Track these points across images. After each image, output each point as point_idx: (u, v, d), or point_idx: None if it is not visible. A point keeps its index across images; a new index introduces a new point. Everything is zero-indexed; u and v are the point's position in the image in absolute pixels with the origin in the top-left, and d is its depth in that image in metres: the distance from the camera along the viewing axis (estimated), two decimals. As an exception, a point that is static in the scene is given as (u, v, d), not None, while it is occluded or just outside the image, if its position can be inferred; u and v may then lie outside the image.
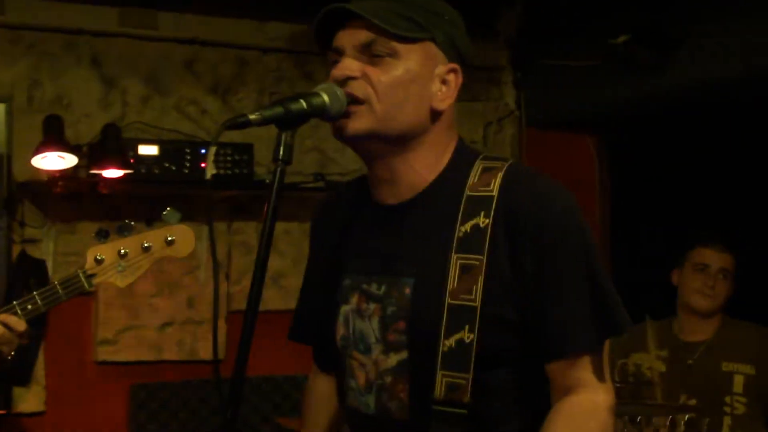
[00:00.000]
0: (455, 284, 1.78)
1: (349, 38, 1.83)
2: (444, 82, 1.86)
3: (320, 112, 1.78)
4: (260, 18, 4.87)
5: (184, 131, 4.72)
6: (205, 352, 4.80)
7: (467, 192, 1.84)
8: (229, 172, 4.50)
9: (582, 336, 1.78)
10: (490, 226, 1.79)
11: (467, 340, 1.76)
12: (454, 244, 1.80)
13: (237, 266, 4.86)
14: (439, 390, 1.77)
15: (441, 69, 1.86)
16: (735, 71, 4.11)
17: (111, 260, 2.84)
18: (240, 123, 1.69)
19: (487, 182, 1.83)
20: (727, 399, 3.82)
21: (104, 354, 4.63)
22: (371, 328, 1.87)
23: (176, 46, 4.78)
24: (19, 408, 4.44)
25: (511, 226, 1.78)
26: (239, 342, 1.70)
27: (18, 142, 4.42)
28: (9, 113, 4.44)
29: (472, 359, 1.75)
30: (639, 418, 3.31)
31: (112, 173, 4.26)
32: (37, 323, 4.13)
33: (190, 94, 4.80)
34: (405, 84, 1.81)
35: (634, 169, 5.25)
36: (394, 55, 1.80)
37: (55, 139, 4.23)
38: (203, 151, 4.48)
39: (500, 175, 1.83)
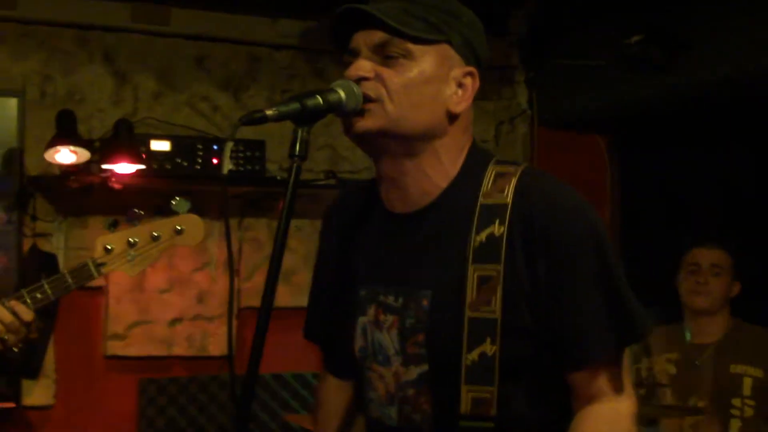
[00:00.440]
0: (474, 296, 1.76)
1: (363, 39, 1.81)
2: (460, 85, 1.84)
3: (336, 109, 1.78)
4: (272, 15, 4.87)
5: (196, 127, 4.72)
6: (214, 348, 4.80)
7: (481, 200, 1.81)
8: (241, 168, 4.50)
9: (600, 346, 1.77)
10: (505, 235, 1.77)
11: (490, 353, 1.74)
12: (471, 255, 1.77)
13: (247, 262, 4.86)
14: (465, 405, 1.76)
15: (457, 72, 1.84)
16: (745, 71, 4.10)
17: (120, 249, 2.83)
18: (257, 118, 1.69)
19: (501, 189, 1.81)
20: (736, 402, 3.82)
21: (114, 348, 4.63)
22: (390, 339, 1.85)
23: (188, 42, 4.78)
24: (28, 401, 4.44)
25: (526, 233, 1.76)
26: (253, 338, 1.69)
27: (30, 136, 4.42)
28: (21, 108, 4.44)
29: (496, 371, 1.75)
30: None
31: (124, 168, 4.26)
32: (47, 316, 4.15)
33: (201, 91, 4.80)
34: (418, 85, 1.79)
35: (645, 170, 5.24)
36: (408, 56, 1.79)
37: (67, 134, 4.23)
38: (215, 147, 4.48)
39: (514, 180, 1.81)
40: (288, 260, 4.82)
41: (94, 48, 4.61)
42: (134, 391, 4.66)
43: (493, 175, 1.84)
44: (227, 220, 1.85)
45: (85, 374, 4.60)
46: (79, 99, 4.55)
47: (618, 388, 1.80)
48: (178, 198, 2.84)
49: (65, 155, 4.22)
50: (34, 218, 4.44)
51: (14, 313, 2.74)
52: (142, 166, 4.29)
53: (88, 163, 4.30)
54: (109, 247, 2.82)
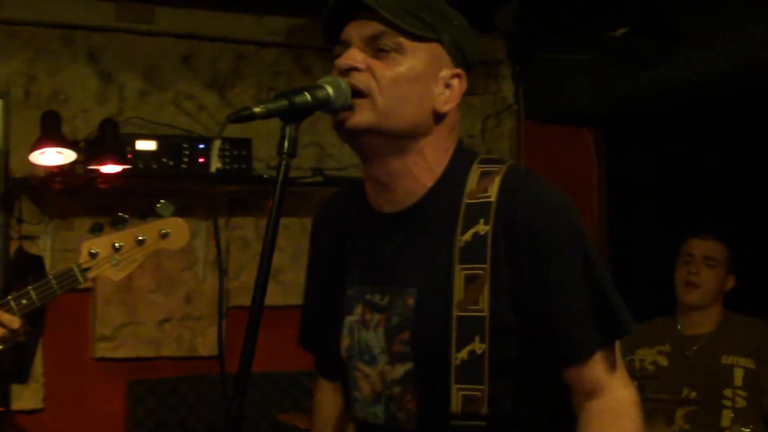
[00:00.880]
0: (462, 295, 1.77)
1: (356, 30, 1.82)
2: (447, 86, 1.86)
3: (325, 105, 1.77)
4: (258, 12, 4.85)
5: (182, 126, 4.69)
6: (203, 348, 4.79)
7: (466, 200, 1.82)
8: (227, 167, 4.48)
9: (588, 340, 1.78)
10: (490, 233, 1.78)
11: (479, 351, 1.75)
12: (457, 255, 1.78)
13: (235, 262, 4.84)
14: (456, 404, 1.76)
15: (446, 72, 1.85)
16: (734, 64, 4.09)
17: (105, 254, 2.84)
18: (245, 116, 1.68)
19: (484, 188, 1.82)
20: (727, 392, 3.82)
21: (102, 350, 4.61)
22: (376, 338, 1.87)
23: (173, 40, 4.76)
24: (17, 405, 4.42)
25: (510, 232, 1.77)
26: (245, 337, 1.69)
27: (15, 137, 4.39)
28: (6, 109, 4.41)
29: (486, 370, 1.75)
30: None
31: (110, 169, 4.24)
32: (35, 320, 4.12)
33: (187, 89, 4.78)
34: (408, 81, 1.80)
35: (632, 164, 5.24)
36: (399, 50, 1.80)
37: (52, 135, 4.21)
38: (201, 146, 4.45)
39: (498, 179, 1.82)
40: (276, 259, 4.76)
41: (79, 48, 4.58)
42: (123, 392, 4.64)
43: (477, 175, 1.85)
44: (216, 219, 1.85)
45: (74, 377, 4.57)
46: (64, 99, 4.53)
47: (615, 380, 1.81)
48: (162, 201, 2.85)
49: (50, 156, 4.19)
50: (20, 221, 4.42)
51: (1, 324, 2.73)
52: (128, 166, 4.28)
53: (73, 164, 4.28)
54: (94, 252, 2.83)
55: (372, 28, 1.80)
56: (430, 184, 1.86)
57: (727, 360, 3.86)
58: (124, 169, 4.26)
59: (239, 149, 4.50)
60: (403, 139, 1.83)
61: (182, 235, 2.90)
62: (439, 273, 1.80)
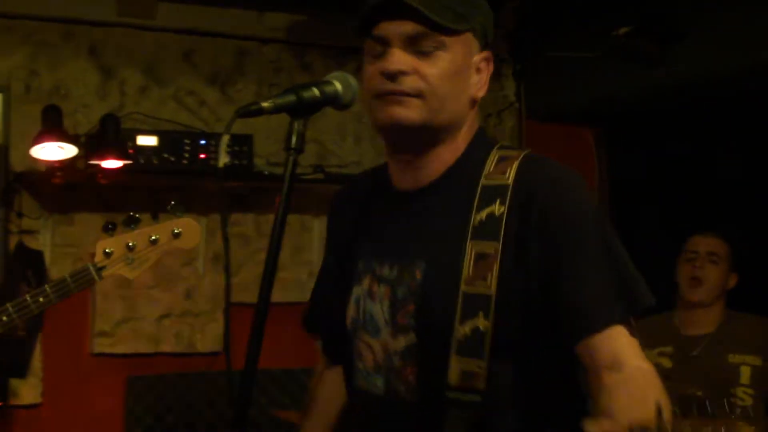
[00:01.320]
0: (471, 271, 1.79)
1: (395, 29, 1.81)
2: (478, 70, 1.90)
3: (333, 101, 1.78)
4: (259, 8, 4.85)
5: (183, 122, 4.69)
6: (202, 345, 4.78)
7: (483, 181, 1.85)
8: (228, 162, 4.47)
9: (609, 309, 1.77)
10: (505, 215, 1.80)
11: (482, 328, 1.76)
12: (470, 232, 1.81)
13: (235, 258, 4.83)
14: (454, 376, 1.77)
15: (476, 58, 1.89)
16: (735, 64, 4.10)
17: (119, 253, 2.89)
18: (253, 111, 1.69)
19: (502, 171, 1.85)
20: (734, 391, 3.81)
21: (101, 346, 4.60)
22: (381, 310, 1.89)
23: (174, 36, 4.75)
24: (16, 400, 4.41)
25: (527, 212, 1.79)
26: (250, 334, 1.69)
27: (15, 132, 4.38)
28: (6, 103, 4.41)
29: (488, 346, 1.76)
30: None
31: (111, 164, 4.23)
32: (34, 316, 4.12)
33: (188, 85, 4.78)
34: (452, 76, 1.84)
35: (633, 162, 5.23)
36: (441, 47, 1.82)
37: (53, 130, 4.20)
38: (203, 142, 4.45)
39: (516, 164, 1.85)
40: (276, 256, 4.80)
41: (80, 42, 4.57)
42: (122, 388, 4.63)
43: (496, 158, 1.89)
44: (224, 215, 1.86)
45: (73, 372, 4.56)
46: (65, 94, 4.52)
47: (634, 353, 1.77)
48: (173, 202, 2.91)
49: (51, 151, 4.18)
50: (20, 215, 4.41)
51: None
52: (129, 162, 4.26)
53: (74, 158, 4.27)
54: (109, 251, 2.89)
55: (412, 27, 1.80)
56: (451, 162, 1.90)
57: (734, 359, 3.86)
58: (125, 165, 4.25)
59: (240, 145, 4.49)
60: (445, 131, 1.87)
61: (194, 234, 2.95)
62: (450, 249, 1.82)
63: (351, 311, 1.95)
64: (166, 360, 4.75)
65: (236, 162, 4.48)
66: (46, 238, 4.46)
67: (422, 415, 1.83)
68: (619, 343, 1.77)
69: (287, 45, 4.95)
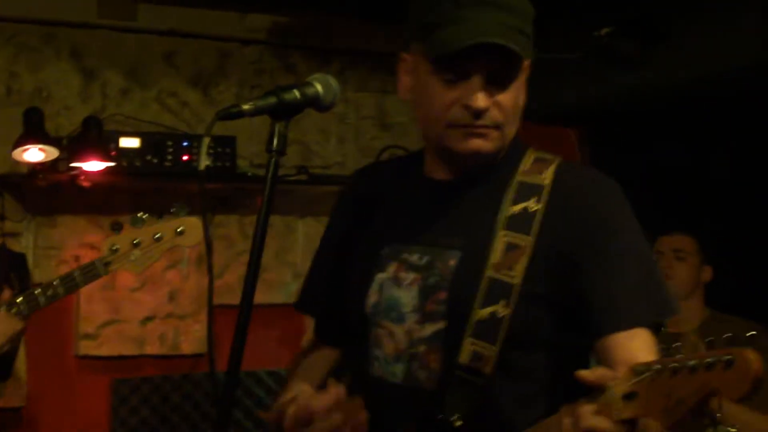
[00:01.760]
0: (499, 259, 1.84)
1: (482, 64, 1.83)
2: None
3: (314, 103, 1.79)
4: (241, 9, 4.84)
5: (165, 124, 4.68)
6: (187, 347, 4.77)
7: (519, 177, 1.92)
8: (212, 164, 4.47)
9: (639, 310, 1.82)
10: (541, 212, 1.86)
11: (500, 315, 1.81)
12: (502, 222, 1.87)
13: (219, 260, 4.82)
14: (465, 356, 1.82)
15: (526, 68, 1.93)
16: (717, 65, 4.11)
17: (125, 249, 3.03)
18: (234, 113, 1.69)
19: (539, 171, 1.92)
20: None
21: (85, 348, 4.59)
22: (408, 296, 1.91)
23: (156, 38, 4.74)
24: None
25: (563, 211, 1.85)
26: (234, 336, 1.69)
27: (-3, 134, 4.37)
28: (-13, 105, 4.40)
29: (502, 333, 1.81)
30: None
31: (93, 166, 4.21)
32: (15, 335, 4.13)
33: (170, 87, 4.76)
34: (521, 102, 1.90)
35: (616, 162, 5.23)
36: (517, 77, 1.87)
37: (35, 132, 4.18)
38: (185, 143, 4.44)
39: (553, 167, 1.92)
40: (260, 257, 4.79)
41: (61, 44, 4.56)
42: (106, 390, 4.62)
43: (532, 159, 1.96)
44: (206, 217, 1.85)
45: (57, 375, 4.55)
46: (46, 96, 4.50)
47: (650, 356, 1.76)
48: (176, 204, 3.09)
49: (33, 153, 4.17)
50: (2, 218, 4.39)
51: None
52: (112, 164, 4.25)
53: (56, 161, 4.26)
54: (115, 248, 3.03)
55: (497, 63, 1.83)
56: (492, 158, 1.94)
57: None
58: (107, 167, 4.24)
59: (223, 147, 4.49)
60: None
61: (196, 232, 3.08)
62: (483, 238, 1.87)
63: (372, 297, 1.97)
64: (151, 362, 4.74)
65: (219, 164, 4.48)
66: (28, 240, 4.45)
67: (438, 403, 1.84)
68: (641, 344, 1.81)
69: (269, 46, 4.95)
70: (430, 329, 1.88)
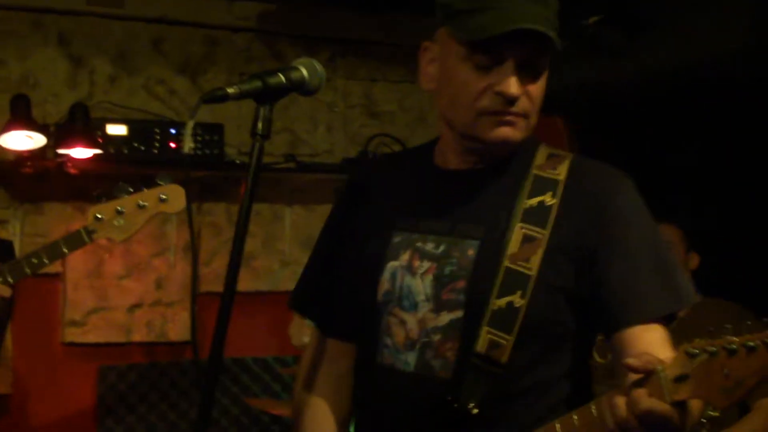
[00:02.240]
0: (516, 250, 1.86)
1: (515, 51, 1.84)
2: None
3: (299, 87, 1.79)
4: (230, -4, 4.84)
5: (153, 111, 4.67)
6: (174, 334, 4.77)
7: (534, 171, 1.94)
8: (199, 152, 4.47)
9: (655, 302, 1.85)
10: (556, 206, 1.88)
11: (517, 305, 1.83)
12: (519, 214, 1.89)
13: (206, 247, 4.83)
14: (482, 344, 1.84)
15: None
16: (702, 53, 4.12)
17: (109, 217, 3.09)
18: (218, 96, 1.70)
19: (553, 166, 1.94)
20: None
21: (72, 335, 4.59)
22: (422, 285, 1.92)
23: (144, 25, 4.72)
24: (-14, 390, 4.40)
25: (579, 205, 1.89)
26: (216, 323, 1.69)
27: (-16, 121, 4.36)
28: (-26, 93, 4.38)
29: (518, 323, 1.83)
30: None
31: (80, 153, 4.22)
32: (4, 303, 4.12)
33: (158, 74, 4.75)
34: (545, 88, 1.92)
35: (603, 151, 5.24)
36: (546, 67, 1.89)
37: (22, 119, 4.18)
38: (173, 131, 4.44)
39: (567, 162, 1.94)
40: (247, 245, 4.77)
41: (49, 31, 4.54)
42: (93, 378, 4.63)
43: (546, 154, 1.97)
44: (189, 202, 1.85)
45: (44, 362, 4.55)
46: (34, 83, 4.49)
47: (668, 348, 1.80)
48: (161, 174, 3.13)
49: (20, 140, 4.17)
50: (-11, 205, 4.39)
51: None
52: (99, 151, 4.25)
53: (43, 148, 4.26)
54: (99, 216, 3.09)
55: (529, 51, 1.84)
56: (507, 150, 1.95)
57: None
58: (94, 154, 4.23)
59: (211, 134, 4.48)
60: None
61: (179, 199, 3.10)
62: (500, 229, 1.89)
63: (384, 285, 1.97)
64: (138, 349, 4.74)
65: (207, 151, 4.48)
66: (15, 227, 4.44)
67: (453, 391, 1.86)
68: (656, 337, 1.83)
69: (258, 34, 4.94)
70: (446, 318, 1.89)
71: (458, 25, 1.85)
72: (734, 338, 1.54)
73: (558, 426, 1.77)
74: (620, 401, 1.63)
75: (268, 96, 1.73)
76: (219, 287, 1.75)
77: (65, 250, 3.07)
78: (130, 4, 4.63)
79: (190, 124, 1.70)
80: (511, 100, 1.84)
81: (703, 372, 1.55)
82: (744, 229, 4.43)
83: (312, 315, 2.20)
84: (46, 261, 3.05)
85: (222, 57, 4.88)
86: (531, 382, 1.88)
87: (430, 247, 1.93)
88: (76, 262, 4.53)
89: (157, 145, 4.39)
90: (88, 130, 4.26)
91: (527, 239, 1.86)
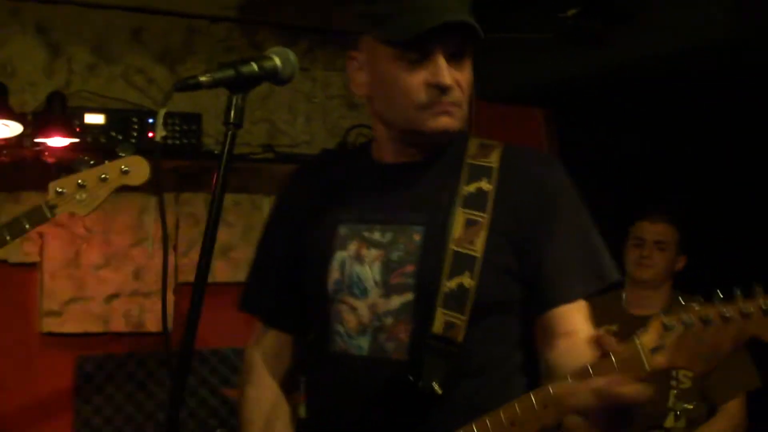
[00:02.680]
0: (461, 234, 1.95)
1: (442, 44, 1.93)
2: None
3: (272, 76, 1.80)
4: (209, -14, 4.82)
5: (131, 100, 4.65)
6: (152, 324, 4.76)
7: (468, 160, 2.03)
8: (177, 142, 4.46)
9: (580, 284, 1.99)
10: (493, 191, 1.98)
11: (467, 285, 1.93)
12: (460, 200, 1.98)
13: (185, 238, 4.82)
14: (438, 326, 1.91)
15: None
16: (682, 44, 4.12)
17: (71, 191, 3.05)
18: (191, 84, 1.71)
19: (485, 155, 2.04)
20: (674, 373, 3.85)
21: (50, 325, 4.58)
22: (371, 272, 1.99)
23: (123, 13, 4.69)
24: (-38, 380, 4.39)
25: (517, 187, 2.00)
26: (188, 313, 1.70)
27: (-40, 110, 4.33)
28: (-49, 81, 4.35)
29: (470, 303, 1.92)
30: None
31: (58, 142, 4.20)
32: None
33: (137, 63, 4.74)
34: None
35: (582, 143, 5.27)
36: (470, 57, 1.98)
37: (-1, 107, 4.16)
38: (151, 120, 4.42)
39: (499, 150, 2.05)
40: (226, 235, 4.80)
41: (27, 19, 4.51)
42: (71, 368, 4.61)
43: (476, 144, 2.07)
44: (161, 190, 1.85)
45: (21, 351, 4.53)
46: (11, 71, 4.47)
47: (589, 325, 1.99)
48: (123, 145, 3.13)
49: (-3, 129, 4.14)
50: (-35, 194, 4.36)
51: None
52: (76, 140, 4.23)
53: (20, 137, 4.23)
54: (60, 190, 3.04)
55: (456, 42, 1.94)
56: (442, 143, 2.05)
57: None
58: (72, 143, 4.22)
59: (189, 124, 4.47)
60: None
61: (142, 171, 3.09)
62: (443, 214, 1.98)
63: (334, 275, 2.03)
64: (116, 339, 4.73)
65: (185, 141, 4.47)
66: (-8, 216, 4.42)
67: (407, 371, 1.92)
68: (581, 316, 1.99)
69: (238, 24, 4.93)
70: (397, 301, 1.97)
71: (388, 29, 1.93)
72: (709, 309, 1.65)
73: (502, 414, 1.83)
74: (580, 388, 1.74)
75: (241, 85, 1.74)
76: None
77: (27, 226, 3.03)
78: (109, -7, 4.61)
79: (161, 112, 1.71)
80: (445, 89, 1.92)
81: (679, 341, 1.68)
82: (731, 221, 4.46)
83: (259, 312, 2.26)
84: (8, 238, 3.02)
85: (201, 47, 4.86)
86: (486, 358, 1.98)
87: (376, 235, 2.01)
88: (54, 252, 4.51)
89: (134, 134, 4.38)
90: (66, 119, 4.24)
91: (470, 223, 1.96)
